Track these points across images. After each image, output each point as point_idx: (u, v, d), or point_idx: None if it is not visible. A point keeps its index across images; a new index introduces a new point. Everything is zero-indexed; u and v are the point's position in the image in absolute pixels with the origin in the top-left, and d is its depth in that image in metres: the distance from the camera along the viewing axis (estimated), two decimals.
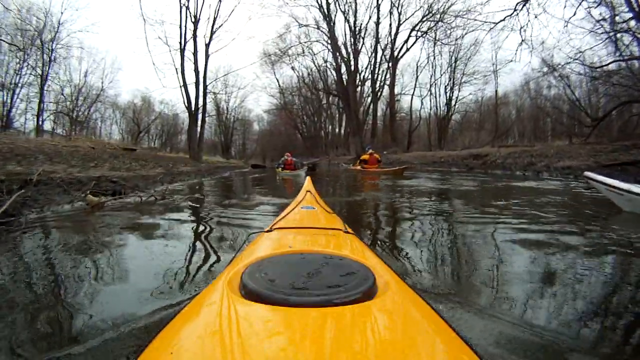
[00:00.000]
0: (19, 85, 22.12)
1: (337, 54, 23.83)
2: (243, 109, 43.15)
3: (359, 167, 10.89)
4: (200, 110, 15.33)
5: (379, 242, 2.21)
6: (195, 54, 14.86)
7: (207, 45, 15.35)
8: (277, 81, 35.59)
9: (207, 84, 15.38)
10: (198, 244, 2.20)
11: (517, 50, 14.12)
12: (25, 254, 1.95)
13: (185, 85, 14.72)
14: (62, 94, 27.48)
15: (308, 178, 2.21)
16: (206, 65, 15.30)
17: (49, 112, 25.16)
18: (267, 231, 1.07)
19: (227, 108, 39.89)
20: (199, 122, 15.51)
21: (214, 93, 17.71)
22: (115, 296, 1.32)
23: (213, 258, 1.82)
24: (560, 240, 2.11)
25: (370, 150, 10.95)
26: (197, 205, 3.72)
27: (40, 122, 20.76)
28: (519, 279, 1.47)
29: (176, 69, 14.91)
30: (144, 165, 8.10)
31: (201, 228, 2.68)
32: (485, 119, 29.83)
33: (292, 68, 32.21)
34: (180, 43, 14.83)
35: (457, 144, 24.90)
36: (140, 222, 2.87)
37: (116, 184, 4.99)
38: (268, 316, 0.48)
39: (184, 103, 14.91)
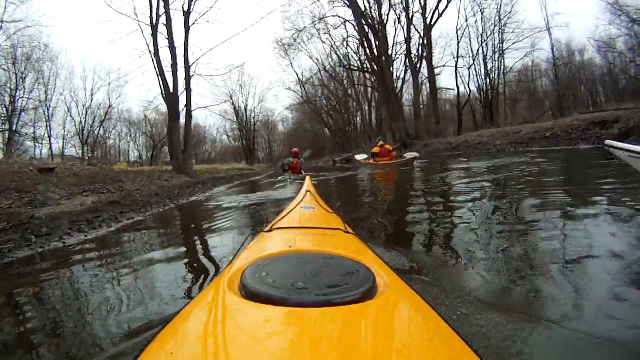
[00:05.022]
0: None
1: (362, 20, 19.19)
2: (264, 110, 39.98)
3: (371, 161, 10.30)
4: (184, 102, 11.47)
5: (379, 242, 2.07)
6: (168, 25, 11.05)
7: (187, 14, 11.52)
8: (296, 74, 31.81)
9: (190, 64, 11.51)
10: (197, 244, 2.07)
11: None
12: None
13: (161, 69, 10.94)
14: (70, 115, 26.10)
15: (308, 178, 2.17)
16: (187, 39, 11.40)
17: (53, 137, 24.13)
18: (267, 231, 1.04)
19: (245, 109, 36.76)
20: (183, 119, 11.70)
21: (194, 74, 13.80)
22: (113, 295, 1.31)
23: (213, 258, 1.75)
24: None
25: (381, 142, 10.50)
26: None
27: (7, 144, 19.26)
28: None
29: (150, 52, 11.30)
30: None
31: (200, 229, 2.50)
32: (525, 90, 26.71)
33: (310, 57, 28.28)
34: (151, 17, 11.15)
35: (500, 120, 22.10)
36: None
37: None
38: (268, 316, 0.47)
39: (162, 94, 11.16)
